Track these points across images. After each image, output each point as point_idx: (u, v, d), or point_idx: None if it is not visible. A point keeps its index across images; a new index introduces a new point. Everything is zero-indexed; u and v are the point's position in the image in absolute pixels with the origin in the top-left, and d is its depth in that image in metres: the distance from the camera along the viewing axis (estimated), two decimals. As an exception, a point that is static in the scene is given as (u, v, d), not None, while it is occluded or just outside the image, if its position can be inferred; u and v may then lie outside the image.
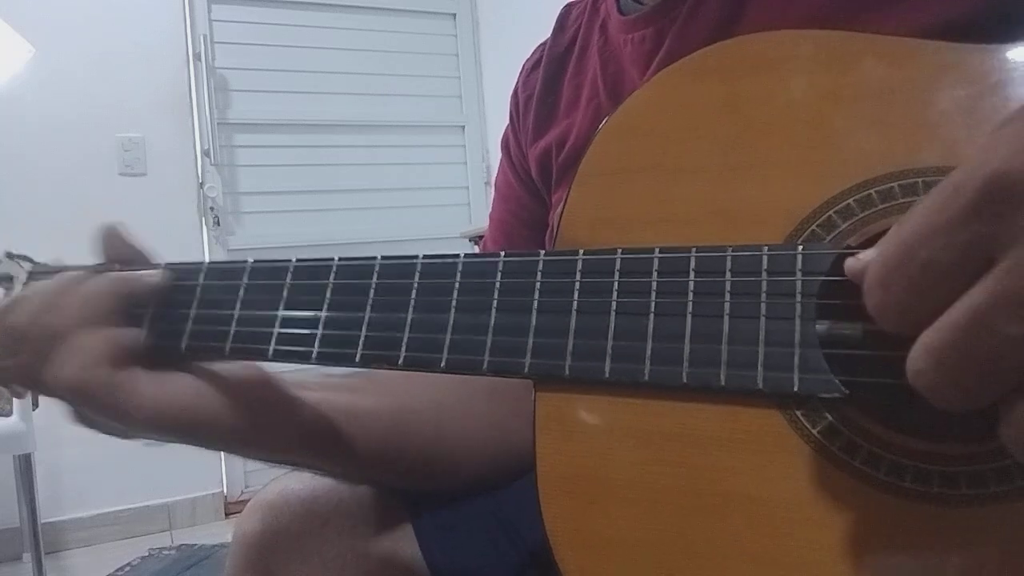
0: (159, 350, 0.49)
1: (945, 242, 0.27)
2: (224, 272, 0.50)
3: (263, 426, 0.50)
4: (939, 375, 0.28)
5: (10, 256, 0.58)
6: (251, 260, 0.50)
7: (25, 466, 2.08)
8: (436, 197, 3.24)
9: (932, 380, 0.28)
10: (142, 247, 0.53)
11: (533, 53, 0.76)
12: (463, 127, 3.31)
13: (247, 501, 0.64)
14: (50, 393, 0.48)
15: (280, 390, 0.52)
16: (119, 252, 0.53)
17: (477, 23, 3.34)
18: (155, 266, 0.52)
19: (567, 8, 0.74)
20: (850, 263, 0.32)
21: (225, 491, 2.84)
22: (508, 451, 0.62)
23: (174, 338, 0.49)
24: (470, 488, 0.63)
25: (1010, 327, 0.26)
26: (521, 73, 0.75)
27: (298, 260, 0.49)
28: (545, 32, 0.74)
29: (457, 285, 0.44)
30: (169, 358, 0.48)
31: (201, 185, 2.82)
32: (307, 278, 0.48)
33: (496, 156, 3.08)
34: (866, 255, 0.31)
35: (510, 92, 0.76)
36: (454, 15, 3.31)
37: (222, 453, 2.77)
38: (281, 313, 0.48)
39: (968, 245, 0.27)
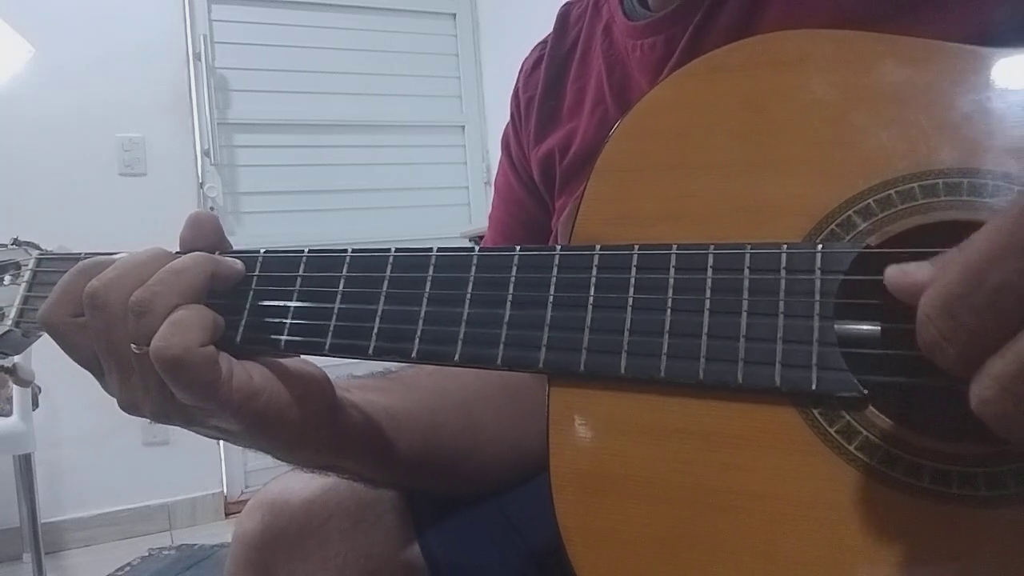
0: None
1: (1019, 266, 0.26)
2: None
3: (321, 423, 0.49)
4: (1007, 404, 0.27)
5: (17, 243, 0.58)
6: (263, 251, 0.49)
7: (25, 466, 2.08)
8: (436, 197, 3.24)
9: (999, 409, 0.27)
10: (224, 238, 0.52)
11: (532, 52, 0.75)
12: (463, 127, 3.31)
13: (247, 501, 0.64)
14: (122, 363, 0.46)
15: (335, 388, 0.51)
16: (205, 239, 0.51)
17: (477, 23, 3.34)
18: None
19: (567, 7, 0.73)
20: (893, 274, 0.31)
21: (225, 491, 2.84)
22: (529, 452, 0.62)
23: (230, 329, 0.47)
24: (494, 489, 0.63)
25: None
26: (521, 73, 0.75)
27: (310, 251, 0.48)
28: (545, 32, 0.74)
29: (472, 278, 0.44)
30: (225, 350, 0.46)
31: (201, 185, 2.82)
32: (320, 269, 0.48)
33: (496, 156, 3.09)
34: (912, 268, 0.30)
35: (510, 92, 0.76)
36: (454, 15, 3.31)
37: (222, 452, 2.79)
38: (294, 304, 0.47)
39: None
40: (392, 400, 0.57)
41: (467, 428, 0.61)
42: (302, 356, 0.49)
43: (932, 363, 0.30)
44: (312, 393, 0.48)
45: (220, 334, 0.46)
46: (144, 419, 0.48)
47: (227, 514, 2.81)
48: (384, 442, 0.54)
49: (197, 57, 2.82)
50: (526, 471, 0.62)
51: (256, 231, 2.92)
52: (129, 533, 2.63)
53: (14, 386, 2.03)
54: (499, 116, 2.95)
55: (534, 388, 0.62)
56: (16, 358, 0.62)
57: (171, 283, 0.44)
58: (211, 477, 2.81)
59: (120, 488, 2.64)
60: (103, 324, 0.45)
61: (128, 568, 2.36)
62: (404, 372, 0.61)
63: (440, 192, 3.25)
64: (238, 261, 0.49)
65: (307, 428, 0.48)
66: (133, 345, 0.44)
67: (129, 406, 0.47)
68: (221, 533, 2.59)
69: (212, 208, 2.81)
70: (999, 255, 0.27)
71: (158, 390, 0.45)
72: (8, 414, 2.04)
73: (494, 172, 0.81)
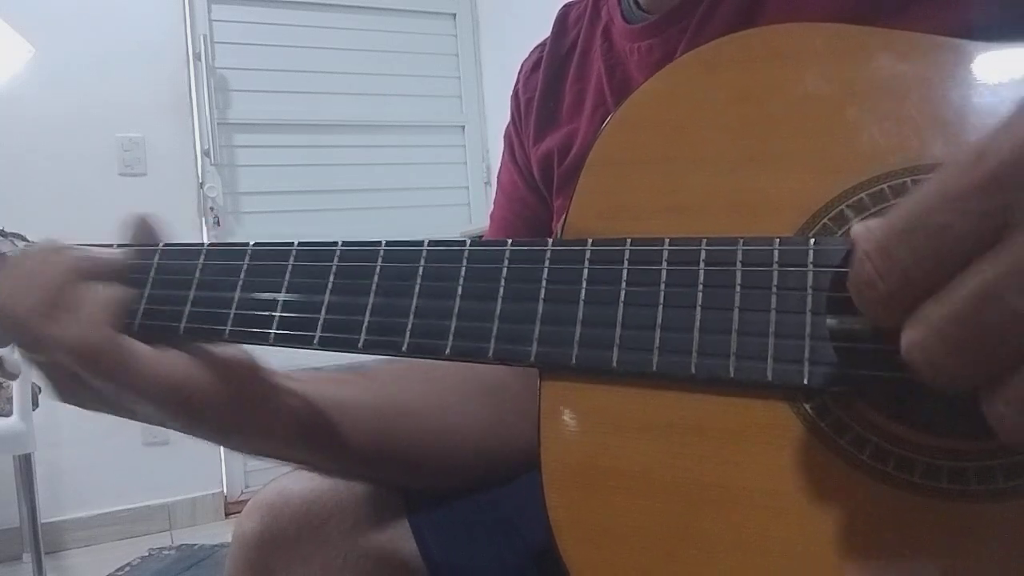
0: (156, 332, 0.48)
1: (964, 207, 0.26)
2: (225, 254, 0.49)
3: (251, 409, 0.50)
4: (938, 347, 0.27)
5: (3, 234, 0.58)
6: (252, 243, 0.49)
7: (25, 466, 2.08)
8: (436, 197, 3.24)
9: (929, 352, 0.27)
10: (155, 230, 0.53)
11: (532, 53, 0.75)
12: (463, 127, 3.31)
13: (247, 501, 0.64)
14: (45, 355, 0.47)
15: (268, 375, 0.52)
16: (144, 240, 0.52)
17: (477, 23, 3.34)
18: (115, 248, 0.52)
19: (566, 8, 0.73)
20: (857, 229, 0.31)
21: (225, 491, 2.84)
22: (508, 450, 0.62)
23: (172, 319, 0.48)
24: (469, 486, 0.63)
25: (1020, 300, 0.25)
26: (520, 73, 0.75)
27: (301, 244, 0.48)
28: (545, 32, 0.74)
29: (463, 272, 0.44)
30: (166, 340, 0.47)
31: (201, 185, 2.83)
32: (310, 261, 0.48)
33: (496, 156, 3.09)
34: (875, 223, 0.30)
35: (510, 92, 0.76)
36: (454, 15, 3.32)
37: (222, 452, 2.78)
38: (283, 297, 0.47)
39: (986, 213, 0.26)
40: (346, 391, 0.57)
41: (431, 421, 0.61)
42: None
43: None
44: (233, 375, 0.49)
45: (124, 318, 0.47)
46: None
47: (227, 514, 2.81)
48: (328, 430, 0.55)
49: (197, 57, 2.82)
50: (509, 469, 0.62)
51: (256, 231, 2.92)
52: (129, 533, 2.63)
53: (14, 386, 2.03)
54: (499, 116, 2.95)
55: (516, 384, 0.63)
56: (2, 351, 0.62)
57: (60, 276, 0.45)
58: (211, 477, 2.81)
59: (120, 488, 2.64)
60: (17, 323, 0.47)
61: (128, 568, 2.36)
62: (374, 366, 0.61)
63: (440, 192, 3.26)
64: (115, 253, 0.50)
65: (230, 410, 0.48)
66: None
67: (57, 396, 0.49)
68: (221, 533, 2.59)
69: (212, 208, 2.82)
70: (945, 197, 0.27)
71: (73, 378, 0.46)
72: (8, 414, 2.04)
73: (494, 172, 0.81)
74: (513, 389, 0.63)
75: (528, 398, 0.63)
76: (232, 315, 0.48)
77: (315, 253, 0.48)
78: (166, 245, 0.51)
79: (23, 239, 0.58)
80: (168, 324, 0.48)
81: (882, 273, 0.28)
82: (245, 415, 0.50)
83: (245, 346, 0.50)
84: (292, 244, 0.49)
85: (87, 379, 0.45)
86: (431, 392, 0.62)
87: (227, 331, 0.47)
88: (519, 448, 0.62)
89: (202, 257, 0.50)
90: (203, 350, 0.49)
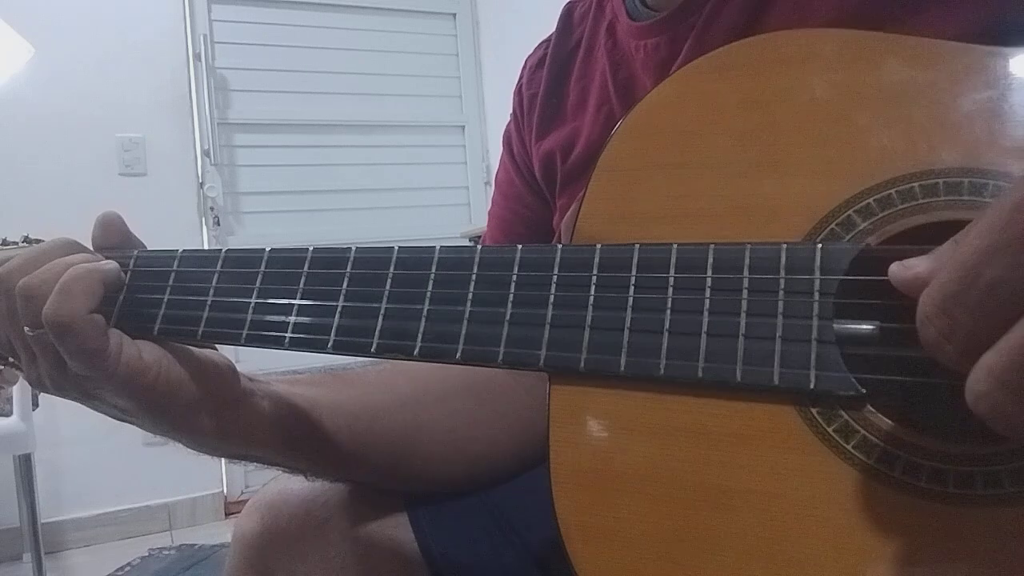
0: (172, 335, 0.50)
1: (1011, 261, 0.26)
2: (241, 261, 0.51)
3: (225, 409, 0.51)
4: (1002, 397, 0.27)
5: (28, 240, 0.59)
6: (268, 249, 0.50)
7: (25, 466, 2.08)
8: (436, 197, 3.24)
9: (994, 403, 0.27)
10: (134, 237, 0.55)
11: (536, 50, 0.75)
12: (463, 127, 3.31)
13: (247, 501, 0.64)
14: (25, 342, 0.48)
15: (244, 378, 0.53)
16: (112, 239, 0.54)
17: (477, 23, 3.34)
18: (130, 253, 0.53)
19: (570, 6, 0.73)
20: (897, 271, 0.31)
21: (225, 491, 2.84)
22: (493, 450, 0.62)
23: (190, 323, 0.49)
24: (453, 488, 0.63)
25: None
26: (524, 69, 0.75)
27: (316, 250, 0.49)
28: (545, 32, 0.74)
29: (474, 277, 0.44)
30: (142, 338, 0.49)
31: (201, 185, 2.82)
32: (324, 268, 0.48)
33: (496, 155, 3.09)
34: (912, 261, 0.30)
35: (510, 91, 0.76)
36: (454, 15, 3.31)
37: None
38: (298, 302, 0.48)
39: None
40: (321, 392, 0.57)
41: (410, 422, 0.61)
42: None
43: (933, 362, 0.30)
44: (208, 374, 0.50)
45: (106, 305, 0.49)
46: None
47: (227, 514, 2.81)
48: (302, 431, 0.55)
49: (197, 57, 2.82)
50: (497, 471, 0.63)
51: (256, 231, 2.92)
52: (129, 533, 2.63)
53: (14, 386, 2.03)
54: (499, 116, 2.95)
55: (503, 388, 0.62)
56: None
57: (58, 271, 0.47)
58: (211, 477, 2.81)
59: (120, 488, 2.64)
60: (6, 308, 0.49)
61: (128, 568, 2.36)
62: (354, 369, 0.62)
63: (440, 192, 3.25)
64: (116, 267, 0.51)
65: (203, 409, 0.49)
66: (26, 328, 0.47)
67: (34, 381, 0.51)
68: (221, 533, 2.59)
69: (212, 208, 2.81)
70: (991, 252, 0.27)
71: (54, 362, 0.48)
72: (8, 414, 2.04)
73: (494, 172, 0.81)
74: (501, 390, 0.63)
75: (515, 400, 0.63)
76: (248, 320, 0.48)
77: (329, 259, 0.48)
78: (185, 252, 0.52)
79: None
80: (185, 328, 0.49)
81: (946, 335, 0.29)
82: (215, 411, 0.50)
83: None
84: (307, 249, 0.49)
85: (65, 359, 0.47)
86: (411, 392, 0.62)
87: (243, 335, 0.48)
88: (505, 447, 0.63)
89: (220, 264, 0.50)
90: (181, 348, 0.50)
